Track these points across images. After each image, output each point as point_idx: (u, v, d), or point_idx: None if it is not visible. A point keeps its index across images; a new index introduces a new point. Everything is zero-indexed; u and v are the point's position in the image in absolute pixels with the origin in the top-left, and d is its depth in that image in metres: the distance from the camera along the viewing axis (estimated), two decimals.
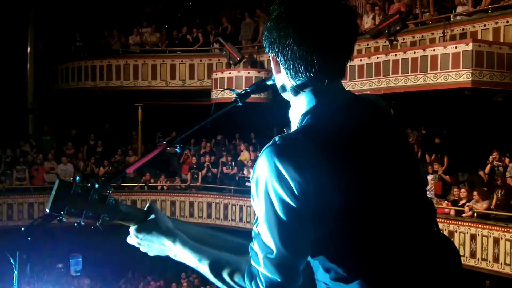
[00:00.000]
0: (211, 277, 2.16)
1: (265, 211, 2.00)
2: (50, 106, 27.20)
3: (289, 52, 2.07)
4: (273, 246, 1.99)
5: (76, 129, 26.12)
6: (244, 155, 22.61)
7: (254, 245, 2.06)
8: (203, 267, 2.18)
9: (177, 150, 2.37)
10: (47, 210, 2.10)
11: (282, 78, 2.19)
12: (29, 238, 2.11)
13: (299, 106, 2.16)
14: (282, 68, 2.16)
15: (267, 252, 2.01)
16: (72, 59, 25.87)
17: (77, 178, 2.14)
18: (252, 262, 2.06)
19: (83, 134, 25.87)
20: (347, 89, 2.21)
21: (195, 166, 23.16)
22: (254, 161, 21.67)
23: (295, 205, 1.96)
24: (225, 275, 2.13)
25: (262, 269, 2.02)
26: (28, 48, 27.42)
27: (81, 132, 25.99)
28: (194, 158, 23.31)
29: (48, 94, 27.13)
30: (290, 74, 2.12)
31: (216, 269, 2.15)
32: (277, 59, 2.14)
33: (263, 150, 2.01)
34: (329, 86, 2.13)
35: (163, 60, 24.54)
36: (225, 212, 21.95)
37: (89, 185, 2.14)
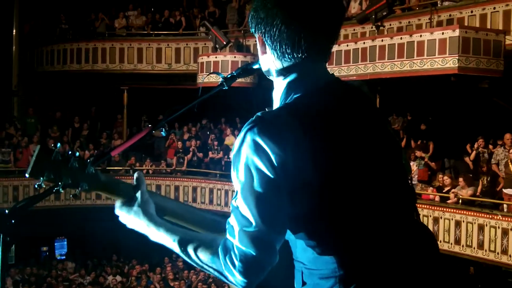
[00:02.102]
0: (186, 257, 2.17)
1: (244, 184, 2.00)
2: (35, 89, 27.09)
3: (276, 32, 2.07)
4: (251, 219, 1.99)
5: (61, 112, 25.99)
6: (230, 140, 22.58)
7: (231, 219, 2.05)
8: (177, 248, 2.18)
9: (163, 133, 2.36)
10: (27, 175, 2.09)
11: (267, 59, 2.19)
12: (12, 221, 2.09)
13: (282, 86, 2.17)
14: (268, 49, 2.16)
15: (243, 225, 2.00)
16: (58, 41, 25.73)
17: (58, 144, 2.13)
18: (228, 236, 2.06)
19: (68, 117, 25.76)
20: (331, 73, 2.21)
21: (181, 150, 23.14)
22: None
23: (274, 179, 1.96)
24: (199, 253, 2.13)
25: (237, 242, 2.01)
26: (14, 30, 27.23)
27: (66, 115, 25.89)
28: (180, 142, 23.28)
29: (33, 76, 26.99)
30: (277, 54, 2.13)
31: (190, 249, 2.15)
32: (263, 39, 2.14)
33: (245, 125, 2.01)
34: (313, 68, 2.15)
35: (149, 44, 24.46)
36: (210, 196, 21.98)
37: (69, 152, 2.13)
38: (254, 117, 2.02)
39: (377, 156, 2.14)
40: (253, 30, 2.17)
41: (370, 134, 2.15)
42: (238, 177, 2.02)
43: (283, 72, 2.15)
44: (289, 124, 1.99)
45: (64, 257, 24.14)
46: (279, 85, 2.18)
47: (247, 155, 1.99)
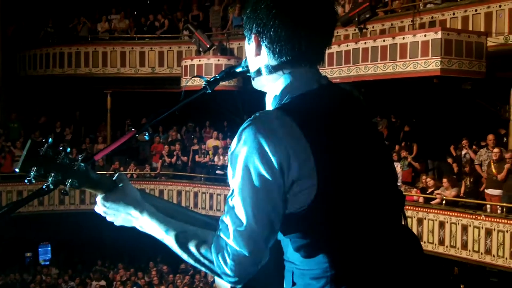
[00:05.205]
0: (177, 249, 2.15)
1: (241, 184, 2.01)
2: (18, 93, 26.93)
3: (275, 33, 2.09)
4: (244, 219, 2.00)
5: (45, 117, 25.88)
6: (212, 143, 22.62)
7: (226, 218, 2.06)
8: (169, 239, 2.17)
9: (146, 137, 2.35)
10: (17, 170, 2.05)
11: (261, 61, 2.20)
12: None
13: (276, 89, 2.18)
14: (263, 50, 2.17)
15: (238, 225, 2.02)
16: (40, 45, 25.64)
17: (50, 139, 2.09)
18: (222, 234, 2.06)
19: (51, 122, 25.66)
20: (324, 75, 2.24)
21: (167, 154, 23.09)
22: (224, 148, 21.72)
23: (272, 180, 1.98)
24: (191, 246, 2.12)
25: (231, 241, 2.03)
26: None
27: (50, 119, 25.77)
28: (166, 146, 23.21)
29: (16, 80, 26.83)
30: (273, 55, 2.14)
31: (182, 241, 2.14)
32: (260, 39, 2.15)
33: (243, 125, 2.02)
34: (308, 70, 2.17)
35: (132, 47, 24.40)
36: (195, 200, 21.93)
37: (61, 148, 2.10)
38: (252, 117, 2.03)
39: (370, 159, 2.15)
40: (248, 31, 2.19)
41: (363, 137, 2.17)
42: (235, 176, 2.03)
43: (277, 71, 2.16)
44: (287, 124, 1.99)
45: (48, 262, 24.02)
46: (272, 88, 2.19)
47: (245, 154, 1.99)
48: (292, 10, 2.07)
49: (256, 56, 2.21)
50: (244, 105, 21.04)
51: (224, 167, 21.19)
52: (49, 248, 24.52)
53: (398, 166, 17.34)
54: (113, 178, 2.27)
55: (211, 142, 22.76)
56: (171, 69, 24.03)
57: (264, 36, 2.12)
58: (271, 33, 2.09)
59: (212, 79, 2.43)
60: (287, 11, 2.07)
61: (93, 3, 27.03)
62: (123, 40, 24.98)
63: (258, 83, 2.26)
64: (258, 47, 2.18)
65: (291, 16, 2.07)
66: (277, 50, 2.12)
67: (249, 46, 2.23)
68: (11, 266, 22.27)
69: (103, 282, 21.96)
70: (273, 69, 2.17)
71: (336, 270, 2.05)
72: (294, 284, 2.15)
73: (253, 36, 2.17)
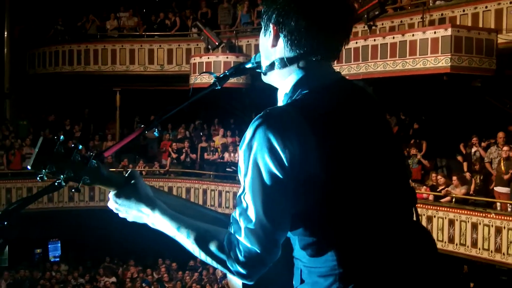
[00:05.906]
0: (189, 246, 2.16)
1: (251, 181, 2.00)
2: (27, 91, 27.01)
3: (295, 23, 2.09)
4: (255, 217, 2.00)
5: (54, 114, 25.94)
6: (219, 140, 22.64)
7: (237, 215, 2.06)
8: (181, 236, 2.17)
9: (155, 134, 2.35)
10: (29, 167, 2.06)
11: (276, 52, 2.18)
12: (5, 222, 2.06)
13: (287, 84, 2.17)
14: (280, 41, 2.15)
15: (249, 222, 2.01)
16: (49, 43, 25.69)
17: (61, 137, 2.10)
18: (233, 232, 2.07)
19: (60, 120, 25.72)
20: (337, 71, 2.23)
21: (175, 150, 23.10)
22: (234, 144, 21.72)
23: (282, 177, 1.97)
24: (203, 243, 2.12)
25: (243, 239, 2.03)
26: (5, 33, 27.15)
27: (59, 117, 25.83)
28: (174, 144, 23.23)
29: (25, 78, 26.90)
30: (291, 47, 2.13)
31: (194, 238, 2.14)
32: (278, 30, 2.14)
33: (253, 120, 2.01)
34: (321, 64, 2.16)
35: (141, 45, 24.42)
36: (204, 197, 21.95)
37: (72, 145, 2.10)
38: (262, 113, 2.02)
39: (381, 156, 2.14)
40: (266, 21, 2.18)
41: (374, 134, 2.16)
42: (246, 173, 2.02)
43: (291, 65, 2.15)
44: (297, 120, 1.99)
45: (58, 259, 24.10)
46: (284, 83, 2.18)
47: (255, 151, 1.99)
48: (311, 3, 2.07)
49: (272, 47, 2.19)
50: (252, 103, 21.05)
51: (232, 164, 21.21)
52: (59, 245, 24.60)
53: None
54: (125, 175, 2.27)
55: (219, 140, 22.76)
56: (179, 67, 24.05)
57: (284, 26, 2.11)
58: (292, 23, 2.08)
59: (221, 75, 2.42)
60: (306, 3, 2.07)
61: (102, 1, 27.07)
62: (132, 37, 25.02)
63: (269, 78, 2.25)
64: (276, 37, 2.16)
65: (313, 6, 2.06)
66: (295, 41, 2.10)
67: (265, 38, 2.22)
68: (20, 262, 22.34)
69: (113, 279, 22.02)
70: (288, 62, 2.15)
71: (344, 269, 2.04)
72: (302, 281, 2.15)
73: (271, 26, 2.16)
